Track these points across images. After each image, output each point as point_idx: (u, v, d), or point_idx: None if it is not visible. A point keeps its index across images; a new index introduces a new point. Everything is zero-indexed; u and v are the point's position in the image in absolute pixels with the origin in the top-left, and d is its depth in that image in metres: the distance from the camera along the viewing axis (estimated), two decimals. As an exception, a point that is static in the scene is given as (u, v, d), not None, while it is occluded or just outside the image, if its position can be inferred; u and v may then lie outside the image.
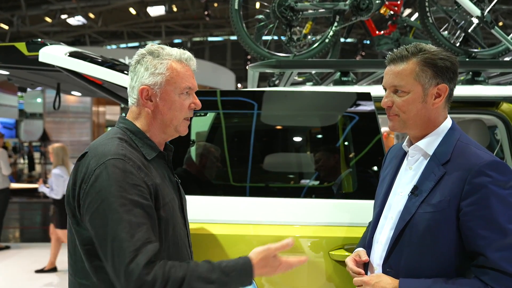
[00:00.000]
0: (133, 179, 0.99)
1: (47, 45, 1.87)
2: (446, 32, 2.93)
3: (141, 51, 1.15)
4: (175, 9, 17.63)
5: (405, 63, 1.13)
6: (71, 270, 1.09)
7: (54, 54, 1.80)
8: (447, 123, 1.16)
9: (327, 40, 2.30)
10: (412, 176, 1.18)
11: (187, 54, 1.16)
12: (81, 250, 1.03)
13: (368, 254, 1.25)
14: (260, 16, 2.83)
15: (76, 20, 16.61)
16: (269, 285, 1.57)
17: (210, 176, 1.85)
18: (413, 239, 1.10)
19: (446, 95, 1.13)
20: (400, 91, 1.13)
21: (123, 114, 1.19)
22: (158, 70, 1.10)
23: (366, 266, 1.25)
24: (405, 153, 1.25)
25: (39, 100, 10.89)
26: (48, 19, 16.28)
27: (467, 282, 1.04)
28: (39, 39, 1.92)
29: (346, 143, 1.81)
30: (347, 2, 2.28)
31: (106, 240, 0.95)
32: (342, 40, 2.91)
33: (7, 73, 2.20)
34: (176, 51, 1.14)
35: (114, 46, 20.67)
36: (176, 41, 21.67)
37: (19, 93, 13.37)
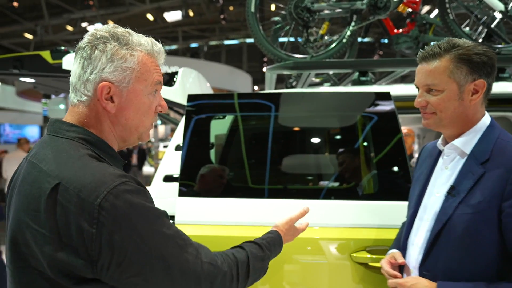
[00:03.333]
0: (148, 197, 0.81)
1: (70, 53, 1.93)
2: (467, 28, 2.86)
3: (101, 33, 0.85)
4: (191, 13, 17.85)
5: (437, 61, 1.08)
6: None
7: (77, 61, 1.86)
8: (486, 120, 1.11)
9: (344, 40, 2.28)
10: (448, 176, 1.13)
11: (159, 46, 0.93)
12: None
13: (404, 256, 1.21)
14: (277, 18, 2.83)
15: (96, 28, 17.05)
16: (290, 287, 1.57)
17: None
18: (451, 241, 1.06)
19: (484, 91, 1.08)
20: (434, 90, 1.09)
21: (55, 119, 0.88)
22: (127, 63, 0.85)
23: (401, 269, 1.22)
24: (440, 152, 1.20)
25: (62, 106, 11.20)
26: (69, 28, 16.77)
27: (509, 287, 1.00)
28: (63, 47, 1.98)
29: (365, 143, 1.79)
30: (364, 1, 2.25)
31: (173, 276, 0.78)
32: (359, 40, 2.88)
33: (33, 80, 2.28)
34: (146, 41, 0.90)
35: (132, 52, 21.07)
36: (193, 45, 21.92)
37: (43, 100, 13.80)
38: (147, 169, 12.99)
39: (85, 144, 0.83)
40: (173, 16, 17.47)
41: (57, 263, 0.73)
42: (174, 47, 21.79)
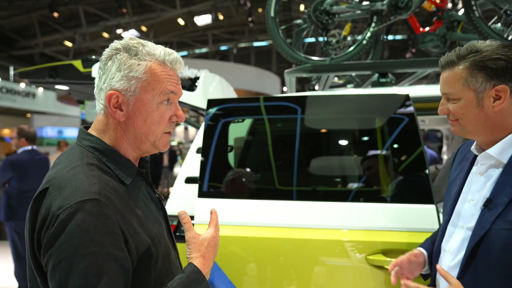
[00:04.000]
0: (108, 226, 0.78)
1: (99, 61, 2.06)
2: (499, 24, 2.74)
3: (116, 44, 0.90)
4: (221, 17, 18.12)
5: (452, 70, 1.06)
6: None
7: (105, 69, 1.98)
8: None
9: (364, 42, 2.27)
10: (483, 183, 1.09)
11: (173, 55, 0.92)
12: None
13: (437, 261, 1.19)
14: (299, 21, 2.85)
15: (130, 34, 17.73)
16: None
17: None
18: (491, 258, 1.00)
19: (510, 94, 1.02)
20: (451, 98, 1.08)
21: (83, 126, 0.95)
22: (133, 72, 0.87)
23: (435, 272, 1.20)
24: (475, 156, 1.15)
25: (98, 110, 11.85)
26: (105, 35, 17.54)
27: None
28: (93, 56, 2.11)
29: (385, 146, 1.78)
30: (384, 2, 2.22)
31: None
32: (391, 37, 2.82)
33: (67, 88, 2.44)
34: (160, 50, 0.91)
35: (164, 56, 21.68)
36: (223, 48, 22.23)
37: (80, 104, 14.55)
38: (178, 170, 13.35)
39: (93, 153, 0.88)
40: (203, 20, 17.82)
41: (32, 253, 0.82)
42: (204, 50, 22.20)
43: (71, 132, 15.15)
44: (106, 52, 0.91)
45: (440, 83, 1.11)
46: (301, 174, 1.75)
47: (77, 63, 2.07)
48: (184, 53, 22.49)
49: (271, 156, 1.85)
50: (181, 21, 17.91)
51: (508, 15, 2.34)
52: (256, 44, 22.78)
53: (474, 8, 2.21)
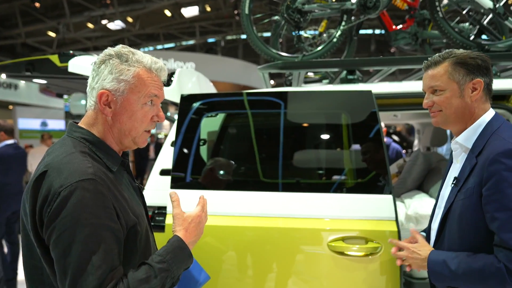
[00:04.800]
0: (104, 201, 0.91)
1: (75, 56, 2.09)
2: (467, 24, 2.86)
3: (110, 51, 1.04)
4: (208, 9, 17.98)
5: (439, 66, 1.26)
6: None
7: (81, 64, 2.02)
8: (487, 116, 1.25)
9: (335, 40, 2.36)
10: (457, 169, 1.29)
11: (159, 64, 1.07)
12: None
13: (429, 239, 1.39)
14: (276, 17, 2.92)
15: (116, 25, 17.45)
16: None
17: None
18: (452, 224, 1.22)
19: (483, 88, 1.23)
20: (438, 90, 1.26)
21: (73, 121, 1.08)
22: (123, 76, 1.01)
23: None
24: None
25: (82, 102, 11.64)
26: (90, 25, 17.23)
27: (484, 257, 1.13)
28: (70, 51, 2.15)
29: (347, 139, 1.88)
30: (353, 1, 2.31)
31: (67, 271, 0.87)
32: (378, 32, 2.91)
33: (45, 81, 2.47)
34: (147, 59, 1.05)
35: (151, 48, 21.46)
36: (210, 40, 22.08)
37: (65, 96, 14.29)
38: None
39: (84, 143, 1.01)
40: (190, 11, 17.64)
41: (34, 229, 0.94)
42: (191, 42, 22.04)
43: (55, 124, 14.93)
44: (100, 56, 1.05)
45: (425, 80, 1.29)
46: (261, 166, 1.85)
47: (54, 58, 2.11)
48: (171, 45, 22.27)
49: (225, 149, 1.94)
50: (167, 13, 17.70)
51: (470, 16, 2.46)
52: (243, 36, 22.72)
53: (438, 9, 2.32)
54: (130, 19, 17.72)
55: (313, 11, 2.33)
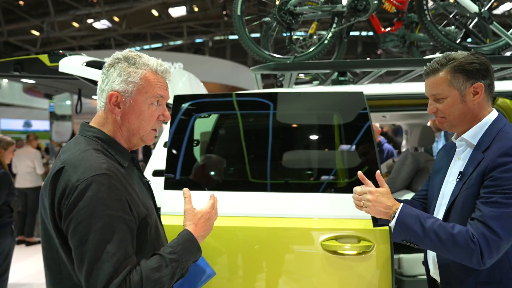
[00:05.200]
0: (117, 194, 0.98)
1: (66, 56, 2.07)
2: (453, 27, 2.93)
3: (118, 55, 1.12)
4: (196, 9, 17.91)
5: (437, 75, 1.28)
6: None
7: (72, 64, 2.00)
8: (492, 116, 1.29)
9: (326, 42, 2.39)
10: (461, 165, 1.32)
11: (164, 66, 1.14)
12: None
13: None
14: (267, 19, 2.94)
15: (102, 24, 17.22)
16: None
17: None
18: (455, 216, 1.26)
19: (484, 90, 1.26)
20: (440, 98, 1.29)
21: (84, 121, 1.14)
22: (131, 78, 1.08)
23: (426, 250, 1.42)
24: (455, 149, 1.38)
25: (68, 102, 11.44)
26: (75, 24, 16.95)
27: (458, 225, 1.18)
28: (60, 51, 2.12)
29: (340, 139, 1.91)
30: (344, 4, 2.35)
31: (84, 259, 0.94)
32: (364, 33, 2.96)
33: (33, 81, 2.43)
34: (153, 62, 1.12)
35: (138, 48, 21.26)
36: (198, 40, 21.99)
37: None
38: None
39: (97, 141, 1.08)
40: (177, 11, 17.55)
41: (53, 221, 1.01)
42: (179, 42, 21.91)
43: (40, 125, 14.62)
44: (109, 60, 1.12)
45: (427, 88, 1.32)
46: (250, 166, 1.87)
47: (44, 57, 2.08)
48: (158, 45, 22.09)
49: (220, 149, 1.95)
50: (155, 12, 17.56)
51: (456, 19, 2.53)
52: (231, 37, 22.70)
53: (426, 12, 2.38)
54: (116, 19, 17.50)
55: (305, 13, 2.36)
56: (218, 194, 1.79)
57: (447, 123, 1.31)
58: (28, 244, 5.75)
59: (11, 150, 3.67)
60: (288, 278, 1.71)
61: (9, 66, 2.13)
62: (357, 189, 1.34)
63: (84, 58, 2.08)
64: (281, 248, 1.71)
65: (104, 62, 1.87)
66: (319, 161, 1.98)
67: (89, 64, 2.01)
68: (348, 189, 1.81)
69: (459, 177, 1.29)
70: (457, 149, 1.36)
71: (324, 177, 1.90)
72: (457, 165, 1.34)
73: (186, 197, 1.20)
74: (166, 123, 1.36)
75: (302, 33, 3.42)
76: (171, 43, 22.04)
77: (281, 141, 1.94)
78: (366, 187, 1.32)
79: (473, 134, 1.29)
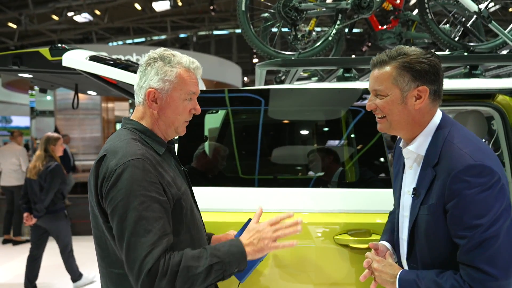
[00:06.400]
0: (151, 177, 1.07)
1: (68, 50, 2.01)
2: (447, 25, 3.01)
3: (153, 54, 1.21)
4: (180, 3, 17.66)
5: (383, 68, 1.18)
6: (103, 263, 1.17)
7: (76, 58, 1.95)
8: (435, 121, 1.19)
9: (330, 38, 2.41)
10: (412, 176, 1.24)
11: (196, 63, 1.24)
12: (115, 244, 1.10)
13: (397, 250, 1.34)
14: (266, 15, 2.93)
15: (83, 17, 16.75)
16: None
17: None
18: (421, 239, 1.19)
19: (428, 96, 1.16)
20: (380, 94, 1.19)
21: (128, 115, 1.22)
22: (167, 76, 1.18)
23: (399, 258, 1.34)
24: None
25: (48, 97, 11.13)
26: (55, 17, 16.45)
27: (451, 276, 1.11)
28: (60, 45, 2.06)
29: (351, 136, 1.94)
30: (348, 1, 2.37)
31: (124, 234, 1.03)
32: (346, 31, 3.00)
33: (31, 76, 2.35)
34: (186, 59, 1.22)
35: (120, 42, 20.82)
36: (182, 35, 21.73)
37: (30, 91, 13.56)
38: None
39: (135, 132, 1.20)
40: (161, 5, 17.25)
41: (97, 202, 1.12)
42: (163, 37, 21.58)
43: (19, 121, 14.16)
44: (146, 60, 1.22)
45: (371, 80, 1.22)
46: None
47: (45, 51, 2.01)
48: (141, 39, 21.71)
49: (229, 144, 1.94)
50: (138, 6, 17.23)
51: (455, 18, 2.59)
52: (216, 32, 22.52)
53: (428, 10, 2.43)
54: (98, 12, 17.07)
55: (309, 9, 2.36)
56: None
57: (385, 124, 1.21)
58: (15, 243, 5.58)
59: (60, 143, 3.96)
60: (302, 273, 1.72)
61: (8, 60, 2.05)
62: (368, 255, 1.31)
63: (86, 52, 2.03)
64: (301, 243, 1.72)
65: (106, 57, 1.86)
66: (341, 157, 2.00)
67: (92, 58, 1.97)
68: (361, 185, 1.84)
69: (413, 192, 1.21)
70: (405, 159, 1.28)
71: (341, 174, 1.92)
72: (409, 176, 1.26)
73: (256, 214, 1.27)
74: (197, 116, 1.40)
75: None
76: (155, 38, 21.69)
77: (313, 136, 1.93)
78: (375, 255, 1.29)
79: (418, 145, 1.19)
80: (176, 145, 1.88)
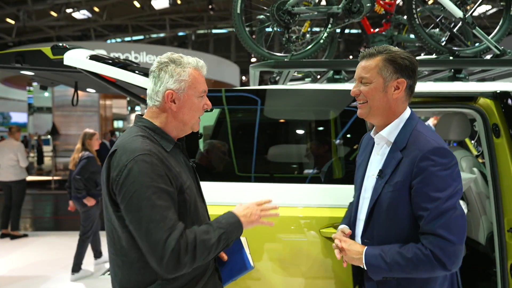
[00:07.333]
0: (159, 170, 1.17)
1: (69, 49, 2.09)
2: (437, 29, 3.11)
3: (163, 59, 1.30)
4: (179, 1, 17.70)
5: (372, 59, 1.36)
6: (111, 249, 1.28)
7: (77, 57, 2.03)
8: (406, 113, 1.38)
9: (321, 41, 2.50)
10: (379, 161, 1.41)
11: (201, 62, 1.34)
12: (123, 233, 1.20)
13: (354, 231, 1.48)
14: (261, 17, 3.02)
15: (81, 14, 16.76)
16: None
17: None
18: (380, 215, 1.34)
19: (405, 89, 1.34)
20: (365, 82, 1.36)
21: (125, 112, 1.32)
22: (182, 77, 1.27)
23: (353, 237, 1.48)
24: (374, 143, 1.47)
25: (46, 94, 11.16)
26: (53, 13, 16.46)
27: (413, 247, 1.26)
28: (61, 44, 2.14)
29: (339, 135, 2.03)
30: (339, 6, 2.47)
31: (141, 222, 1.12)
32: (346, 31, 3.08)
33: (32, 73, 2.43)
34: (192, 60, 1.32)
35: (118, 40, 20.82)
36: (181, 33, 21.77)
37: (28, 88, 13.57)
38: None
39: (145, 129, 1.29)
40: (160, 3, 17.27)
41: (108, 193, 1.21)
42: (161, 35, 21.61)
43: (17, 117, 14.18)
44: (156, 66, 1.31)
45: (358, 69, 1.39)
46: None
47: (47, 50, 2.09)
48: (140, 37, 21.73)
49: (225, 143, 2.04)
50: (137, 4, 17.26)
51: (442, 23, 2.69)
52: (215, 31, 22.56)
53: (415, 16, 2.52)
54: (96, 9, 17.09)
55: (302, 13, 2.46)
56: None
57: (366, 109, 1.36)
58: (13, 237, 5.65)
59: (95, 138, 4.28)
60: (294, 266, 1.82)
61: (11, 58, 2.13)
62: (335, 235, 1.47)
63: (86, 51, 2.11)
64: (287, 236, 1.82)
65: (105, 56, 1.95)
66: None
67: (92, 57, 2.05)
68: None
69: (378, 174, 1.36)
70: (375, 145, 1.44)
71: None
72: (376, 160, 1.42)
73: (263, 200, 1.43)
74: (209, 111, 1.52)
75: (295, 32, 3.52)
76: (153, 35, 21.71)
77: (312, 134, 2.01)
78: (342, 236, 1.44)
79: (390, 131, 1.36)
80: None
